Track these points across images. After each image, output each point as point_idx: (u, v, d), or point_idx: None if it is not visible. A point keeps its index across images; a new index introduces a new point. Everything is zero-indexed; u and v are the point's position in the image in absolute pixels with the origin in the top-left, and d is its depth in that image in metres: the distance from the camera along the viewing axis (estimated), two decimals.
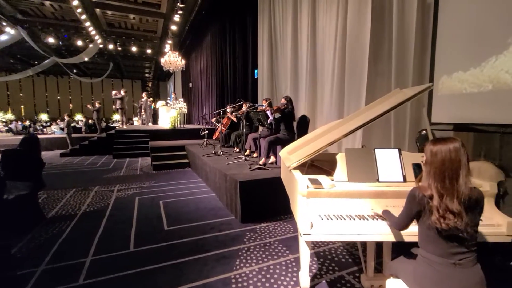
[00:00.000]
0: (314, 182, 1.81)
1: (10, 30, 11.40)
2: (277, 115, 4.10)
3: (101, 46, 14.05)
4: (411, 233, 1.49)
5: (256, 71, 7.24)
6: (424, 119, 2.16)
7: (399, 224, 1.39)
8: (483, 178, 2.29)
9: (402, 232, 1.51)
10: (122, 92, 10.44)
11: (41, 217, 3.36)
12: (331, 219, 1.70)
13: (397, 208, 1.74)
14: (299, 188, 1.77)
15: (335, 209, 1.78)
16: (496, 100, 2.13)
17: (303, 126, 4.41)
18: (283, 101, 4.10)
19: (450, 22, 2.46)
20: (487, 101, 2.19)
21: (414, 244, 1.45)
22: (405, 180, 1.82)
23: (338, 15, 4.15)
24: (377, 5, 3.45)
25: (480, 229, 1.60)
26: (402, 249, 1.56)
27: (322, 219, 1.70)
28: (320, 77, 4.67)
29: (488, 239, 1.60)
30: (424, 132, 2.79)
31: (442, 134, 2.85)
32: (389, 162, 1.88)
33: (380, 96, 3.07)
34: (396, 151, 1.90)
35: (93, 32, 12.30)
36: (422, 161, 1.37)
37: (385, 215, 1.50)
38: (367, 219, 1.68)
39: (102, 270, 2.26)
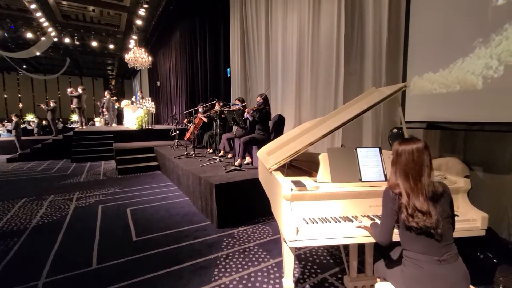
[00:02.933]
0: (298, 184, 1.72)
1: None
2: (256, 115, 3.98)
3: (55, 39, 12.76)
4: (396, 232, 1.47)
5: (228, 69, 7.07)
6: (400, 117, 2.20)
7: (383, 231, 1.33)
8: (450, 173, 2.41)
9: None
10: (80, 90, 9.55)
11: None
12: (316, 223, 1.63)
13: (381, 207, 1.72)
14: (283, 191, 1.67)
15: (320, 212, 1.72)
16: (463, 100, 2.24)
17: (279, 126, 4.36)
18: (259, 99, 4.00)
19: (421, 25, 2.56)
20: (455, 100, 2.30)
21: (396, 243, 1.43)
22: (386, 179, 1.82)
23: (311, 15, 4.15)
24: (349, 7, 3.50)
25: (457, 224, 1.64)
26: (384, 248, 1.54)
27: (307, 223, 1.62)
28: (294, 76, 4.66)
29: (464, 234, 1.65)
30: (395, 130, 2.87)
31: (415, 132, 2.96)
32: (371, 161, 1.86)
33: (353, 95, 3.11)
34: (377, 149, 1.89)
35: (46, 24, 11.11)
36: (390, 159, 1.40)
37: (372, 229, 1.45)
38: (352, 221, 1.64)
39: None
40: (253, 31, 5.88)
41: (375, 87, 2.57)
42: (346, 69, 3.62)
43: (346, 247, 2.24)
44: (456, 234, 1.62)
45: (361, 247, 2.05)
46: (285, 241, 1.63)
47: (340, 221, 1.64)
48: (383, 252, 1.63)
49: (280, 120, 4.33)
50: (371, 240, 1.53)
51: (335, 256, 2.45)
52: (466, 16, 2.16)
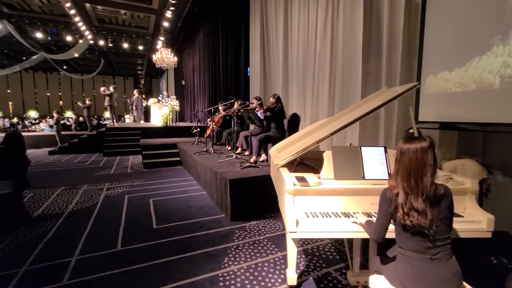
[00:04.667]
0: (301, 180, 1.81)
1: None
2: (268, 114, 4.10)
3: (91, 42, 13.75)
4: (392, 229, 1.50)
5: (248, 68, 7.22)
6: (410, 117, 2.19)
7: (377, 230, 1.38)
8: (466, 175, 2.34)
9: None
10: (111, 89, 10.24)
11: (26, 216, 3.29)
12: (317, 217, 1.71)
13: None
14: (286, 185, 1.77)
15: (321, 207, 1.80)
16: (479, 100, 2.17)
17: (294, 124, 4.42)
18: (271, 99, 4.10)
19: (437, 23, 2.49)
20: (470, 100, 2.23)
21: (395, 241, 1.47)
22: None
23: (330, 15, 4.16)
24: (368, 6, 3.48)
25: (462, 225, 1.65)
26: (387, 245, 1.59)
27: (308, 216, 1.72)
28: (311, 75, 4.68)
29: (469, 235, 1.64)
30: (411, 130, 2.83)
31: (430, 132, 2.90)
32: (375, 160, 1.90)
33: (370, 94, 3.10)
34: (382, 148, 1.92)
35: (83, 28, 12.02)
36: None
37: (367, 225, 1.51)
38: (352, 216, 1.70)
39: (87, 270, 2.23)
40: (272, 30, 5.96)
41: (387, 86, 2.56)
42: (363, 68, 3.60)
43: (350, 243, 2.29)
44: (461, 235, 1.63)
45: (365, 244, 2.10)
46: (287, 232, 1.73)
47: (340, 216, 1.71)
48: (386, 249, 1.67)
49: (295, 119, 4.39)
50: (367, 235, 1.58)
51: (341, 252, 2.50)
52: (484, 13, 2.09)
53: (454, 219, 1.65)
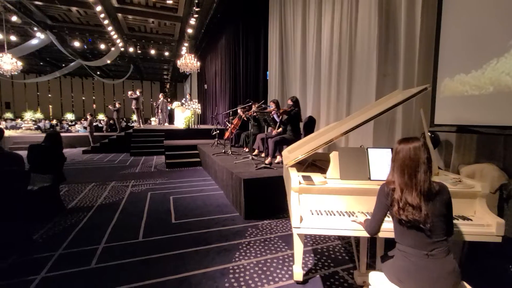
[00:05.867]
0: (306, 179, 1.89)
1: (40, 35, 12.24)
2: (284, 117, 4.18)
3: (122, 49, 14.70)
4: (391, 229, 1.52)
5: (267, 72, 7.36)
6: (422, 120, 2.19)
7: (372, 222, 1.45)
8: (485, 180, 2.27)
9: (387, 229, 1.55)
10: (138, 93, 10.87)
11: (61, 208, 3.65)
12: (321, 214, 1.78)
13: None
14: (292, 183, 1.86)
15: (326, 205, 1.86)
16: (497, 102, 2.11)
17: (310, 127, 4.47)
18: (289, 102, 4.19)
19: (453, 25, 2.45)
20: (488, 103, 2.17)
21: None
22: None
23: (348, 18, 4.18)
24: (383, 8, 3.47)
25: (470, 228, 1.63)
26: (393, 247, 1.61)
27: (312, 214, 1.79)
28: (328, 78, 4.70)
29: (477, 239, 1.62)
30: (428, 133, 2.78)
31: (448, 136, 2.83)
32: (382, 161, 1.92)
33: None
34: (389, 150, 1.94)
35: (115, 36, 12.91)
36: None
37: (364, 223, 1.56)
38: (356, 215, 1.74)
39: (112, 256, 2.46)
40: (290, 35, 6.06)
41: (400, 89, 2.56)
42: (379, 71, 3.58)
43: (358, 244, 2.30)
44: (469, 238, 1.62)
45: (374, 245, 2.11)
46: (292, 228, 1.82)
47: (344, 215, 1.76)
48: (391, 249, 1.69)
49: (310, 122, 4.43)
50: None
51: (350, 253, 2.51)
52: (501, 14, 2.04)
53: (463, 222, 1.65)
